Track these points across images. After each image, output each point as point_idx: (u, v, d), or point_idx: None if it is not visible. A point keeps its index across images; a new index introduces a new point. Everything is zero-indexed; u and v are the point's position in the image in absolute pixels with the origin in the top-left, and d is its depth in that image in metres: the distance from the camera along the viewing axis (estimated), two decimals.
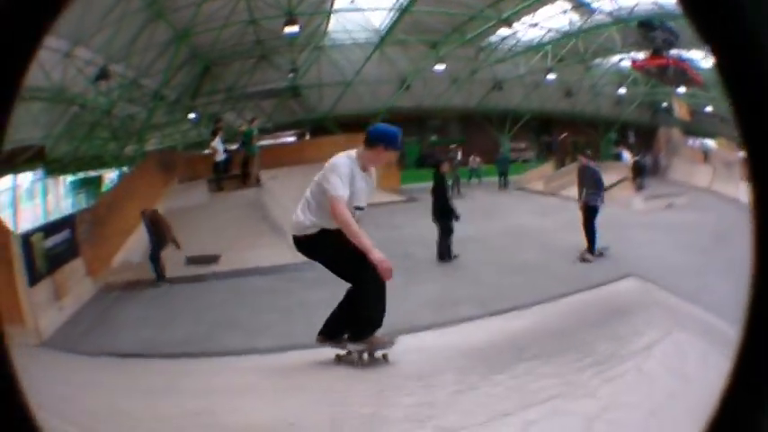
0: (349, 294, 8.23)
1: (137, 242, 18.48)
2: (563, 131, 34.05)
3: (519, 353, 8.89)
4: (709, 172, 29.17)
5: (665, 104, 34.95)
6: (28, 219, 22.08)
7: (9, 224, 19.79)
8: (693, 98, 31.96)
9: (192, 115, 28.61)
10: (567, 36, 31.11)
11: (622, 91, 34.16)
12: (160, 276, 16.89)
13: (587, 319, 11.12)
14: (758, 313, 2.01)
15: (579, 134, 33.68)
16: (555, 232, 20.74)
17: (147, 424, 7.40)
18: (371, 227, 16.38)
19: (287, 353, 10.73)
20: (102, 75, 23.22)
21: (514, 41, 31.06)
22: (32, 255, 14.03)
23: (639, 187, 29.83)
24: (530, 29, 30.65)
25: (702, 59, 28.52)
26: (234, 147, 25.04)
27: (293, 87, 29.23)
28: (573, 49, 31.59)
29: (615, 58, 33.19)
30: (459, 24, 29.55)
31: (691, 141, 33.57)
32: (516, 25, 29.95)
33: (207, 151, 25.30)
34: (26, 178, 22.89)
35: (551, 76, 32.87)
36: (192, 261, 17.63)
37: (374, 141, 8.20)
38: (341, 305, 8.32)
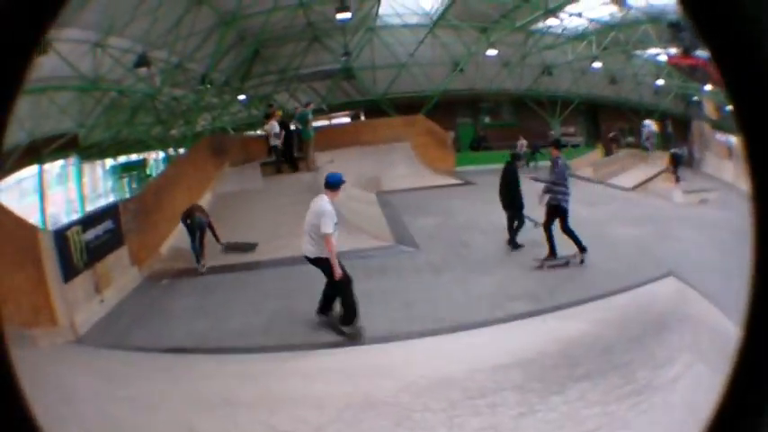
0: (327, 287, 11.54)
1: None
2: (609, 118, 32.67)
3: (571, 370, 9.47)
4: (732, 168, 27.08)
5: (696, 98, 33.47)
6: (59, 203, 21.75)
7: (36, 217, 19.49)
8: (717, 96, 30.08)
9: (242, 97, 27.76)
10: (608, 27, 29.57)
11: (660, 82, 33.07)
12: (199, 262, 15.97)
13: (629, 332, 10.99)
14: (758, 313, 1.87)
15: (624, 121, 32.47)
16: (605, 224, 19.42)
17: None
18: (427, 214, 19.63)
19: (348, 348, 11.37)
20: (142, 62, 22.19)
21: (561, 29, 29.44)
22: (68, 250, 12.85)
23: (678, 179, 28.12)
24: (574, 18, 29.03)
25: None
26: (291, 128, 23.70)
27: (347, 69, 28.11)
28: (615, 39, 30.06)
29: (653, 51, 31.60)
30: (508, 11, 28.07)
31: (719, 136, 31.77)
32: (561, 15, 28.35)
33: (260, 132, 24.74)
34: (56, 165, 22.20)
35: (597, 64, 31.16)
36: (229, 248, 16.79)
37: (337, 186, 11.52)
38: (324, 292, 11.62)
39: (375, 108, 28.73)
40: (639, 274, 14.25)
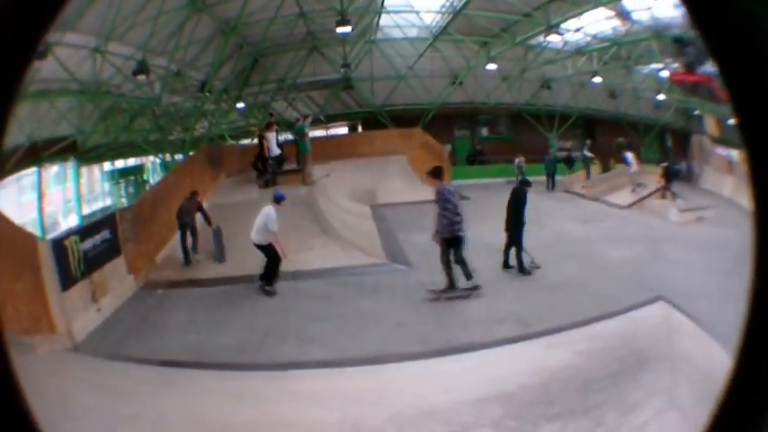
0: (266, 262, 15.17)
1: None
2: (607, 132, 32.67)
3: (546, 408, 9.51)
4: (732, 183, 27.93)
5: (697, 112, 33.65)
6: (56, 202, 22.43)
7: (34, 215, 20.63)
8: (720, 110, 30.22)
9: (240, 105, 28.32)
10: (610, 42, 29.85)
11: (661, 97, 32.89)
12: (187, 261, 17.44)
13: (608, 367, 10.94)
14: (758, 314, 1.81)
15: (623, 135, 32.08)
16: (596, 243, 19.97)
17: None
18: (422, 230, 17.97)
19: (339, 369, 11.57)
20: (141, 69, 22.71)
21: (562, 44, 29.78)
22: (67, 259, 13.20)
23: (674, 195, 27.99)
24: (575, 33, 29.52)
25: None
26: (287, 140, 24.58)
27: (346, 79, 28.62)
28: (616, 54, 30.42)
29: (655, 66, 31.50)
30: (509, 26, 28.63)
31: (719, 150, 31.99)
32: (563, 29, 28.34)
33: (254, 141, 24.98)
34: (54, 167, 22.85)
35: (597, 79, 31.60)
36: (218, 233, 17.72)
37: (280, 201, 15.30)
38: (265, 266, 15.32)
39: (373, 120, 29.30)
40: (628, 299, 14.37)
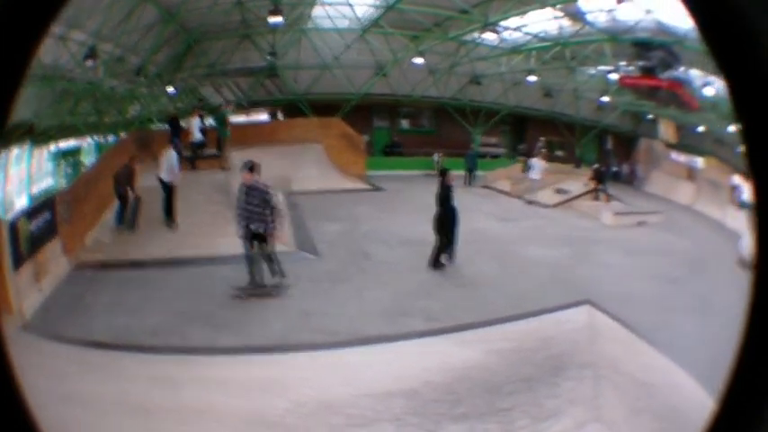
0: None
1: (110, 221, 20.07)
2: (540, 131, 33.50)
3: (451, 408, 10.14)
4: (692, 190, 29.48)
5: (650, 117, 34.33)
6: (14, 182, 23.33)
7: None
8: (685, 117, 31.60)
9: (170, 89, 29.30)
10: (554, 43, 31.15)
11: (606, 99, 33.58)
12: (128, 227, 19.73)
13: (521, 371, 11.75)
14: (758, 314, 2.16)
15: (555, 135, 33.38)
16: (517, 243, 21.37)
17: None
18: (332, 219, 20.78)
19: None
20: (90, 54, 24.41)
21: (498, 41, 31.20)
22: (18, 239, 14.81)
23: (609, 198, 29.01)
24: (514, 32, 30.93)
25: (703, 86, 28.36)
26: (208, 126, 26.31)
27: (271, 67, 29.89)
28: (559, 54, 31.68)
29: (603, 68, 32.45)
30: (442, 21, 30.23)
31: (674, 155, 33.27)
32: (501, 27, 30.28)
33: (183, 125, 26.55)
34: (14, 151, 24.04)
35: (532, 78, 32.39)
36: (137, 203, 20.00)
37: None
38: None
39: (294, 107, 30.40)
40: (549, 301, 15.43)
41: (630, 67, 30.44)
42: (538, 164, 29.00)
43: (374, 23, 29.70)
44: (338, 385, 11.07)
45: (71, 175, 26.60)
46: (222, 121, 26.17)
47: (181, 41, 28.05)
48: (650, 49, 28.86)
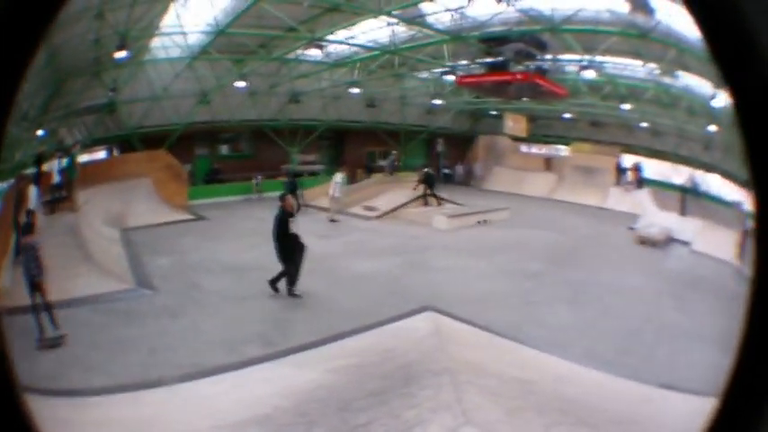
0: None
1: None
2: (360, 143, 37.99)
3: (308, 428, 10.57)
4: (550, 180, 33.28)
5: (494, 113, 38.38)
6: None
7: None
8: (547, 105, 35.56)
9: (39, 132, 30.20)
10: (382, 51, 33.82)
11: (437, 101, 37.81)
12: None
13: (369, 385, 12.30)
14: (758, 314, 2.32)
15: (377, 145, 37.50)
16: (343, 258, 22.92)
17: None
18: (162, 253, 22.61)
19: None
20: None
21: (323, 56, 34.37)
22: None
23: (440, 202, 32.70)
24: (339, 45, 34.16)
25: (581, 69, 31.52)
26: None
27: (110, 103, 31.91)
28: (387, 61, 35.11)
29: (437, 70, 36.55)
30: (268, 41, 33.41)
31: (525, 148, 37.42)
32: (325, 42, 33.09)
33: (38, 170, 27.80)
34: None
35: (355, 90, 37.02)
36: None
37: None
38: None
39: (127, 143, 32.63)
40: (386, 312, 16.51)
41: (474, 66, 33.35)
42: (339, 180, 31.18)
43: (203, 50, 32.12)
44: (200, 419, 11.33)
45: None
46: (72, 161, 28.23)
47: (52, 82, 29.29)
48: (504, 43, 31.13)
